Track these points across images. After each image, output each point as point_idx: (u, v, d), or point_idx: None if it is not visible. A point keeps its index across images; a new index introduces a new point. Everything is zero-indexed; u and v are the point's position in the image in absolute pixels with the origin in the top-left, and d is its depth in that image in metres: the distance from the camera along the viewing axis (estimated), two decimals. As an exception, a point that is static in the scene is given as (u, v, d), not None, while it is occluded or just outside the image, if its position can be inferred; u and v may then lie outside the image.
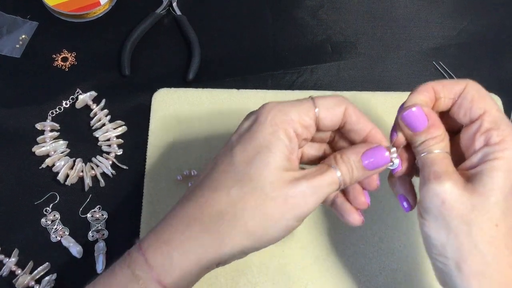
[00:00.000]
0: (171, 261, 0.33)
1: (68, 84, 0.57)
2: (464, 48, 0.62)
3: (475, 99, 0.33)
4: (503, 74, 0.61)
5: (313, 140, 0.38)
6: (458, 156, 0.35)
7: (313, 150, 0.39)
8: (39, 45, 0.59)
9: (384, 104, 0.56)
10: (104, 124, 0.54)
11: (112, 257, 0.47)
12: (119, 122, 0.54)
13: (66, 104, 0.55)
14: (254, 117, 0.35)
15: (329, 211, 0.50)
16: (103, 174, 0.52)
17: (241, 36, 0.62)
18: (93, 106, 0.55)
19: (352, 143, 0.37)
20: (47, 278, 0.46)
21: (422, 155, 0.34)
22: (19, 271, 0.46)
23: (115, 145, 0.53)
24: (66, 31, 0.60)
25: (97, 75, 0.58)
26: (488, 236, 0.31)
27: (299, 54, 0.61)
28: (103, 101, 0.55)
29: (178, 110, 0.55)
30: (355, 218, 0.36)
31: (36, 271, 0.46)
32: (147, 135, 0.53)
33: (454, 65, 0.60)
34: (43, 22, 0.61)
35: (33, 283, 0.46)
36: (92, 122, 0.54)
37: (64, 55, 0.58)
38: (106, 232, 0.49)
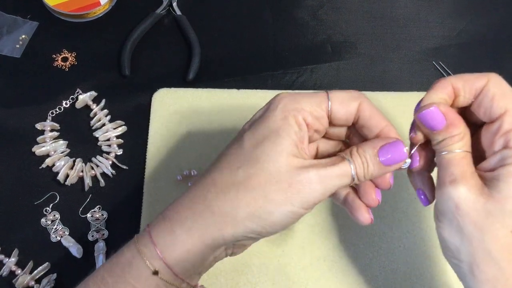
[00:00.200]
0: (173, 237, 0.33)
1: (68, 84, 0.57)
2: (464, 48, 0.62)
3: (496, 97, 0.31)
4: (503, 74, 0.60)
5: (328, 136, 0.38)
6: (480, 151, 0.33)
7: (329, 146, 0.39)
8: (39, 45, 0.59)
9: (384, 104, 0.56)
10: (104, 124, 0.54)
11: (112, 257, 0.47)
12: (119, 122, 0.54)
13: (66, 104, 0.55)
14: (266, 105, 0.35)
15: (330, 210, 0.50)
16: (103, 174, 0.52)
17: (241, 36, 0.62)
18: (93, 106, 0.55)
19: (366, 140, 0.36)
20: (47, 278, 0.46)
21: (440, 154, 0.33)
22: (19, 271, 0.46)
23: (115, 145, 0.53)
24: (66, 31, 0.60)
25: (97, 75, 0.58)
26: (502, 243, 0.30)
27: (299, 54, 0.61)
28: (103, 101, 0.55)
29: (178, 110, 0.55)
30: (364, 216, 0.36)
31: (36, 271, 0.46)
32: (147, 135, 0.53)
33: (454, 65, 0.60)
34: (43, 22, 0.61)
35: (33, 283, 0.46)
36: (92, 122, 0.54)
37: (64, 55, 0.58)
38: (106, 232, 0.49)
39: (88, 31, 0.61)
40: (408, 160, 0.34)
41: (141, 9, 0.62)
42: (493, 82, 0.32)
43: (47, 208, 0.50)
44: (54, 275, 0.47)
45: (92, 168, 0.52)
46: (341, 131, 0.38)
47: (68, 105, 0.55)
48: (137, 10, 0.62)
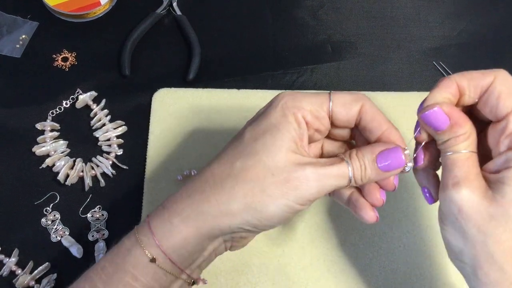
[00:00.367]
0: (171, 226, 0.34)
1: (68, 84, 0.57)
2: (464, 48, 0.62)
3: (502, 96, 0.31)
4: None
5: (333, 137, 0.38)
6: (487, 150, 0.33)
7: (334, 147, 0.39)
8: (39, 45, 0.59)
9: (384, 104, 0.56)
10: (104, 124, 0.54)
11: (112, 257, 0.47)
12: (119, 122, 0.54)
13: (66, 104, 0.55)
14: (269, 103, 0.36)
15: (330, 211, 0.50)
16: (103, 174, 0.52)
17: (241, 36, 0.62)
18: (93, 106, 0.55)
19: (369, 142, 0.36)
20: (47, 278, 0.46)
21: (445, 155, 0.32)
22: (19, 271, 0.46)
23: (115, 145, 0.53)
24: (66, 31, 0.60)
25: (97, 75, 0.58)
26: (505, 247, 0.30)
27: (299, 54, 0.61)
28: (103, 101, 0.55)
29: (178, 110, 0.55)
30: (369, 214, 0.35)
31: (36, 271, 0.46)
32: (147, 135, 0.53)
33: (454, 65, 0.60)
34: (43, 22, 0.61)
35: (33, 283, 0.46)
36: (92, 122, 0.54)
37: (64, 55, 0.58)
38: (106, 232, 0.49)
39: (88, 31, 0.61)
40: (410, 164, 0.34)
41: (141, 9, 0.62)
42: (499, 79, 0.31)
43: (47, 208, 0.50)
44: (54, 275, 0.47)
45: (92, 168, 0.52)
46: (345, 132, 0.38)
47: (68, 105, 0.55)
48: (137, 10, 0.62)
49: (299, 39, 0.62)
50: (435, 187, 0.35)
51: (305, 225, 0.49)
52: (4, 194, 0.50)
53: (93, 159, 0.52)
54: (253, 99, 0.56)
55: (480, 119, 0.33)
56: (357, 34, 0.63)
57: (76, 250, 0.48)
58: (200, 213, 0.33)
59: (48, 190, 0.51)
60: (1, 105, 0.55)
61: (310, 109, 0.34)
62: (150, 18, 0.60)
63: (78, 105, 0.55)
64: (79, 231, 0.49)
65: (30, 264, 0.47)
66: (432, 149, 0.35)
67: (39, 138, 0.53)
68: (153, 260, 0.34)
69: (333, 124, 0.36)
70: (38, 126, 0.53)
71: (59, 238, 0.48)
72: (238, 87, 0.57)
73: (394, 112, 0.55)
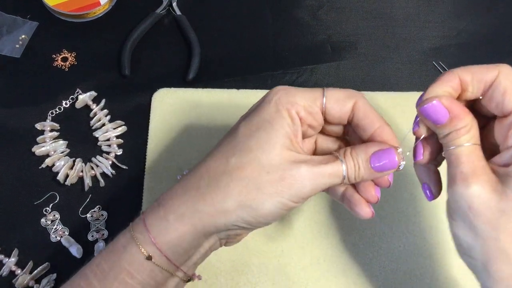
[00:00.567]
0: (166, 223, 0.34)
1: (68, 84, 0.57)
2: (464, 48, 0.62)
3: (508, 91, 0.30)
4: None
5: (326, 133, 0.38)
6: (493, 144, 0.32)
7: (328, 142, 0.39)
8: (39, 45, 0.59)
9: (384, 104, 0.56)
10: (104, 124, 0.54)
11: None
12: (119, 122, 0.54)
13: (66, 104, 0.55)
14: (262, 98, 0.35)
15: (330, 210, 0.50)
16: (103, 174, 0.52)
17: (241, 36, 0.62)
18: (93, 106, 0.55)
19: (362, 139, 0.36)
20: (47, 278, 0.46)
21: (448, 149, 0.31)
22: (19, 271, 0.46)
23: (115, 145, 0.53)
24: (66, 31, 0.60)
25: (97, 75, 0.58)
26: None
27: (299, 54, 0.61)
28: (103, 101, 0.55)
29: (178, 110, 0.55)
30: (365, 210, 0.35)
31: (36, 271, 0.46)
32: (147, 135, 0.53)
33: (454, 65, 0.59)
34: (43, 22, 0.61)
35: (32, 283, 0.46)
36: (92, 122, 0.54)
37: (64, 55, 0.58)
38: (106, 232, 0.49)
39: (88, 31, 0.61)
40: (403, 163, 0.34)
41: (141, 9, 0.62)
42: (504, 74, 0.31)
43: (47, 208, 0.50)
44: (54, 275, 0.47)
45: (92, 168, 0.52)
46: (339, 129, 0.37)
47: (68, 105, 0.55)
48: (137, 10, 0.62)
49: (299, 39, 0.62)
50: (436, 184, 0.35)
51: (305, 225, 0.49)
52: (4, 194, 0.50)
53: (93, 159, 0.52)
54: (253, 99, 0.55)
55: (483, 114, 0.33)
56: (357, 34, 0.63)
57: (75, 250, 0.48)
58: (196, 211, 0.33)
59: (48, 190, 0.51)
60: (1, 105, 0.55)
61: (303, 105, 0.34)
62: (150, 18, 0.60)
63: (78, 105, 0.55)
64: (79, 231, 0.49)
65: (30, 264, 0.47)
66: (432, 144, 0.34)
67: (39, 138, 0.53)
68: (149, 257, 0.34)
69: (326, 121, 0.36)
70: (38, 126, 0.53)
71: (59, 238, 0.48)
72: (238, 87, 0.56)
73: (394, 112, 0.55)
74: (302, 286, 0.47)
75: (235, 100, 0.55)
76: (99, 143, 0.53)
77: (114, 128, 0.54)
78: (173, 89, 0.56)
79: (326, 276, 0.47)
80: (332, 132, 0.38)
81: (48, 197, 0.50)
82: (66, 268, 0.47)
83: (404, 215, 0.50)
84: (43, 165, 0.51)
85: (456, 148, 0.31)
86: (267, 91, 0.55)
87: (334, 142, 0.39)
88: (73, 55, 0.59)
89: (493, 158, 0.32)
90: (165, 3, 0.62)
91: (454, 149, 0.31)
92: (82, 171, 0.51)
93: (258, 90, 0.56)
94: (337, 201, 0.38)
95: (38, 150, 0.52)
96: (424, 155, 0.34)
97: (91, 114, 0.55)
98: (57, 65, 0.58)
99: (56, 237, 0.48)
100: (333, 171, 0.33)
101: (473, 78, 0.32)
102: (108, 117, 0.54)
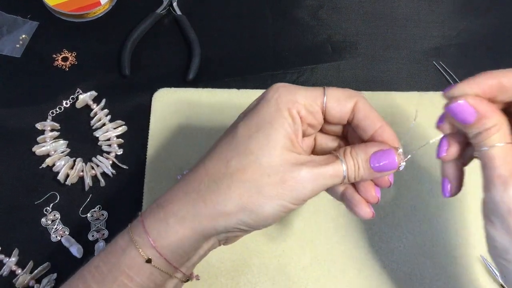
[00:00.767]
0: (166, 227, 0.33)
1: (68, 84, 0.57)
2: (464, 48, 0.62)
3: None
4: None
5: (325, 131, 0.38)
6: None
7: (327, 141, 0.38)
8: (39, 45, 0.59)
9: (384, 104, 0.56)
10: (104, 124, 0.54)
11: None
12: (119, 122, 0.54)
13: (66, 104, 0.55)
14: (262, 95, 0.35)
15: (330, 210, 0.50)
16: (103, 174, 0.52)
17: (241, 36, 0.62)
18: (93, 106, 0.55)
19: (362, 139, 0.36)
20: (47, 278, 0.46)
21: (481, 151, 0.30)
22: (19, 271, 0.46)
23: (115, 145, 0.53)
24: (66, 31, 0.60)
25: (97, 75, 0.58)
26: None
27: (299, 54, 0.61)
28: (103, 101, 0.55)
29: (178, 110, 0.55)
30: (365, 210, 0.35)
31: (36, 271, 0.46)
32: (147, 135, 0.53)
33: (454, 65, 0.60)
34: (43, 22, 0.61)
35: (33, 282, 0.46)
36: (92, 122, 0.54)
37: (64, 55, 0.58)
38: (106, 232, 0.49)
39: (88, 31, 0.61)
40: (403, 164, 0.33)
41: (141, 9, 0.62)
42: None
43: (47, 208, 0.50)
44: (54, 275, 0.47)
45: (92, 168, 0.52)
46: (338, 128, 0.37)
47: (68, 105, 0.55)
48: (137, 10, 0.62)
49: (299, 39, 0.62)
50: (457, 182, 0.34)
51: (305, 225, 0.49)
52: (4, 194, 0.50)
53: (93, 159, 0.52)
54: (253, 99, 0.55)
55: None
56: (357, 34, 0.63)
57: (76, 250, 0.48)
58: (196, 214, 0.33)
59: (48, 190, 0.51)
60: (1, 105, 0.55)
61: (304, 103, 0.34)
62: (150, 18, 0.60)
63: (78, 105, 0.55)
64: (79, 231, 0.49)
65: (30, 264, 0.47)
66: (458, 141, 0.33)
67: (39, 138, 0.53)
68: (148, 260, 0.33)
69: (325, 120, 0.35)
70: (38, 126, 0.53)
71: (59, 238, 0.48)
72: (238, 87, 0.57)
73: (394, 112, 0.55)
74: (302, 286, 0.47)
75: (235, 100, 0.55)
76: (99, 143, 0.53)
77: (115, 128, 0.54)
78: (173, 89, 0.56)
79: (326, 276, 0.47)
80: (331, 131, 0.38)
81: (49, 197, 0.50)
82: (67, 268, 0.47)
83: (404, 215, 0.50)
84: (44, 165, 0.51)
85: (489, 149, 0.30)
86: (267, 91, 0.56)
87: (333, 140, 0.38)
88: (73, 55, 0.59)
89: None
90: (165, 3, 0.62)
91: (487, 150, 0.30)
92: (82, 171, 0.51)
93: (258, 90, 0.56)
94: (337, 201, 0.38)
95: (38, 150, 0.52)
96: (448, 152, 0.33)
97: (92, 114, 0.55)
98: (57, 65, 0.58)
99: (56, 237, 0.48)
100: (334, 172, 0.33)
101: (510, 82, 0.30)
102: (109, 117, 0.54)
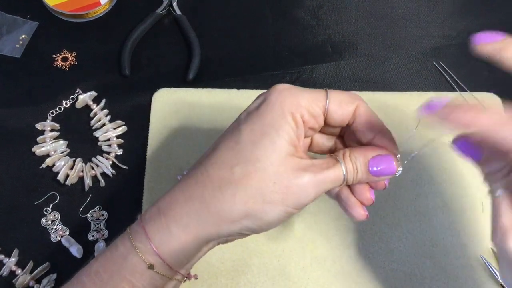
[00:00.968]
0: (169, 234, 0.33)
1: (68, 84, 0.57)
2: (464, 48, 0.62)
3: None
4: (502, 74, 0.60)
5: (323, 131, 0.38)
6: None
7: (323, 140, 0.38)
8: (39, 45, 0.59)
9: (384, 104, 0.56)
10: (104, 124, 0.54)
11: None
12: (119, 122, 0.54)
13: (66, 104, 0.55)
14: (263, 97, 0.35)
15: (330, 210, 0.50)
16: (103, 174, 0.52)
17: (241, 36, 0.62)
18: (93, 106, 0.55)
19: (360, 142, 0.36)
20: (47, 278, 0.46)
21: (494, 196, 0.29)
22: (19, 271, 0.46)
23: (115, 145, 0.53)
24: (66, 31, 0.60)
25: (97, 75, 0.58)
26: None
27: (299, 54, 0.61)
28: (103, 101, 0.55)
29: (178, 110, 0.55)
30: (359, 212, 0.35)
31: (36, 271, 0.46)
32: (147, 135, 0.53)
33: (454, 65, 0.60)
34: (43, 22, 0.61)
35: (33, 283, 0.46)
36: (92, 122, 0.54)
37: (64, 55, 0.58)
38: (106, 232, 0.49)
39: (88, 31, 0.61)
40: (400, 169, 0.34)
41: (141, 9, 0.62)
42: None
43: (47, 208, 0.50)
44: (54, 275, 0.47)
45: (92, 168, 0.52)
46: (336, 130, 0.37)
47: (68, 105, 0.55)
48: (137, 10, 0.62)
49: (299, 39, 0.62)
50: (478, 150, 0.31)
51: (305, 225, 0.49)
52: (4, 194, 0.50)
53: (93, 159, 0.52)
54: (253, 99, 0.55)
55: None
56: (357, 34, 0.63)
57: (76, 250, 0.48)
58: (200, 221, 0.33)
59: (48, 190, 0.51)
60: (1, 105, 0.55)
61: (307, 106, 0.33)
62: (150, 18, 0.60)
63: (78, 105, 0.55)
64: (79, 231, 0.49)
65: (30, 264, 0.47)
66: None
67: (39, 138, 0.53)
68: (151, 267, 0.33)
69: (326, 123, 0.35)
70: (38, 126, 0.53)
71: (59, 238, 0.48)
72: (238, 87, 0.57)
73: (394, 112, 0.55)
74: (302, 286, 0.47)
75: (235, 100, 0.55)
76: (99, 143, 0.53)
77: (114, 128, 0.54)
78: (173, 89, 0.56)
79: (326, 276, 0.47)
80: (329, 132, 0.38)
81: (48, 197, 0.50)
82: (67, 268, 0.47)
83: (404, 215, 0.50)
84: (43, 165, 0.51)
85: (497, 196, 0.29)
86: (267, 91, 0.56)
87: (330, 139, 0.39)
88: (73, 55, 0.59)
89: None
90: (165, 3, 0.62)
91: (497, 196, 0.29)
92: (82, 171, 0.51)
93: (258, 90, 0.56)
94: (332, 199, 0.38)
95: (38, 150, 0.52)
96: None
97: (91, 114, 0.55)
98: (57, 65, 0.58)
99: (56, 237, 0.48)
100: (335, 176, 0.33)
101: None
102: (108, 117, 0.54)
